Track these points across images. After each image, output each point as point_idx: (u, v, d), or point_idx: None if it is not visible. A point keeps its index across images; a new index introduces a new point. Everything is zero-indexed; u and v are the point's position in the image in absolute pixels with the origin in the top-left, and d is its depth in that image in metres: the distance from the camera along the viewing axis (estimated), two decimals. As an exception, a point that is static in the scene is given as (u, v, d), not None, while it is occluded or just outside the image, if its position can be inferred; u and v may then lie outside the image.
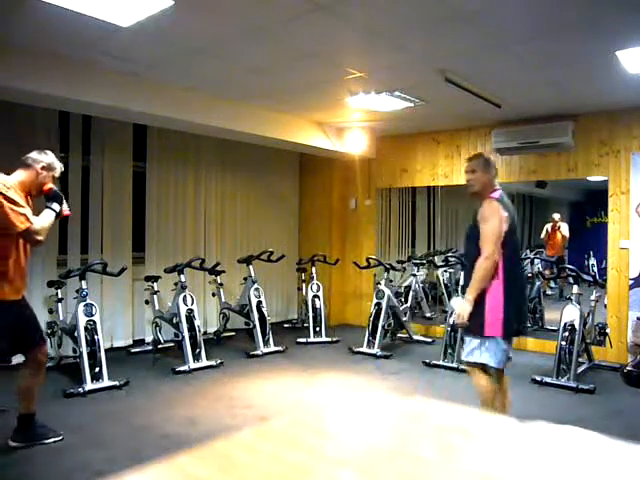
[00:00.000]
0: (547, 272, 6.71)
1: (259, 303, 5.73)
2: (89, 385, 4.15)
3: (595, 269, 6.38)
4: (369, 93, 4.68)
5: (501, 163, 6.05)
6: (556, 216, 7.18)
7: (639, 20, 3.10)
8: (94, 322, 4.33)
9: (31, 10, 3.01)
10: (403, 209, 7.50)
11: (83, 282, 4.47)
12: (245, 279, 5.95)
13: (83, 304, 4.34)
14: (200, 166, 6.49)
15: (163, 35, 3.45)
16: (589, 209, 6.60)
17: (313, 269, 6.49)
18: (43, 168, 3.10)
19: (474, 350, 2.94)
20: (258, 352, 5.50)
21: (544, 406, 4.01)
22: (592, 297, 5.09)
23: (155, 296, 5.63)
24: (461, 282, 5.36)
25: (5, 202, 2.75)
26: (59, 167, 3.21)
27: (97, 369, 4.23)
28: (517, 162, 5.93)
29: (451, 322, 5.07)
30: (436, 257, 7.07)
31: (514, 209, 3.09)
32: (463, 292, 5.11)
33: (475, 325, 2.88)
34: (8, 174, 2.98)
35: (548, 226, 7.33)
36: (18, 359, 3.49)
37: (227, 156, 6.71)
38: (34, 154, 3.13)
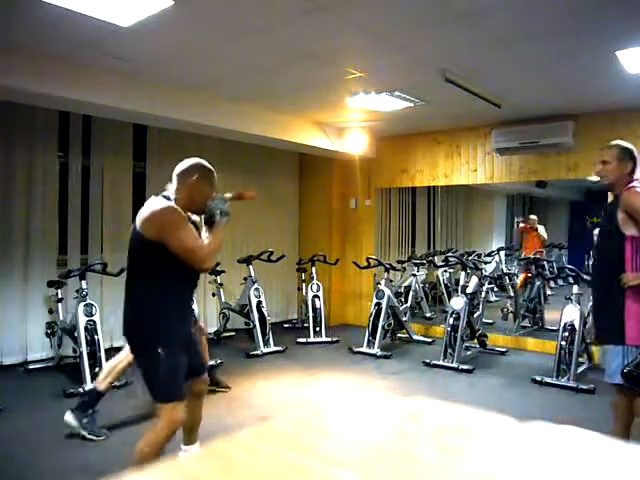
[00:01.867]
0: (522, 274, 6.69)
1: (259, 303, 5.73)
2: (89, 385, 4.14)
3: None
4: (369, 93, 4.68)
5: (501, 163, 6.06)
6: (533, 217, 7.11)
7: (639, 20, 3.10)
8: (94, 322, 4.33)
9: (31, 10, 3.01)
10: (403, 209, 7.50)
11: (83, 282, 4.47)
12: (245, 279, 5.95)
13: (83, 304, 4.34)
14: (200, 166, 6.47)
15: (163, 35, 3.45)
16: (589, 209, 6.60)
17: (313, 269, 6.49)
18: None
19: (618, 367, 2.60)
20: (258, 352, 5.50)
21: (544, 406, 4.01)
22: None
23: (155, 296, 5.62)
24: (461, 282, 5.37)
25: None
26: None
27: (97, 369, 4.22)
28: (517, 162, 5.93)
29: (451, 322, 5.08)
30: (436, 257, 7.07)
31: None
32: (463, 292, 5.18)
33: (614, 333, 2.60)
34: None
35: (521, 226, 7.27)
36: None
37: (227, 156, 6.70)
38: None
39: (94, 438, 3.27)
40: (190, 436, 2.72)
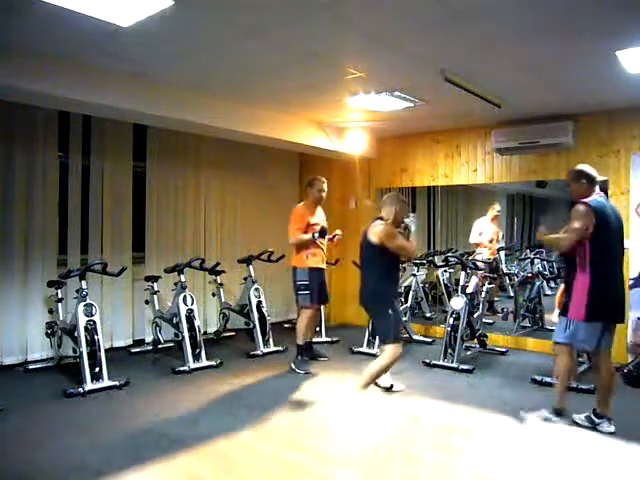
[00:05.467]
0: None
1: (259, 303, 5.73)
2: (89, 385, 4.15)
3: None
4: (369, 93, 4.68)
5: (501, 163, 6.06)
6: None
7: (639, 20, 3.10)
8: (94, 322, 4.33)
9: (31, 10, 3.01)
10: (403, 209, 7.48)
11: (83, 282, 4.48)
12: (245, 279, 5.95)
13: (83, 304, 4.34)
14: (200, 166, 6.49)
15: (163, 35, 3.45)
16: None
17: (313, 269, 6.48)
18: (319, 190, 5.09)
19: (561, 331, 3.54)
20: (258, 352, 5.50)
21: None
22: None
23: (155, 296, 5.63)
24: (461, 282, 5.37)
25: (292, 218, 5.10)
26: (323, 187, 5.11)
27: (97, 369, 4.23)
28: (517, 162, 5.92)
29: (451, 322, 5.07)
30: (436, 257, 7.07)
31: (613, 211, 3.52)
32: (463, 292, 5.18)
33: (565, 308, 3.53)
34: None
35: (487, 225, 6.97)
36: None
37: (227, 156, 6.71)
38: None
39: (300, 372, 4.85)
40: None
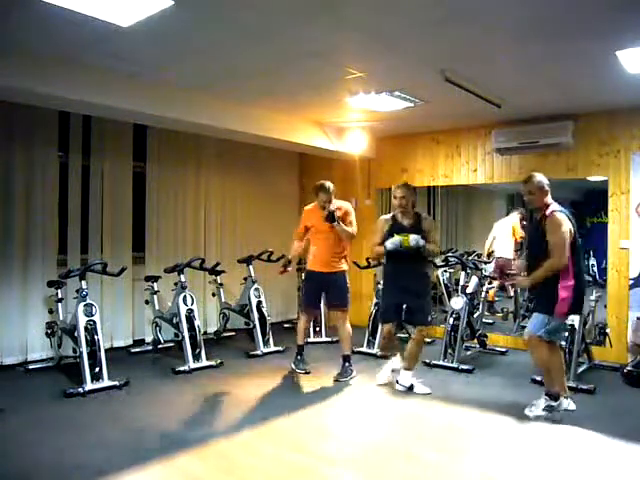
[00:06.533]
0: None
1: (259, 303, 5.73)
2: (89, 385, 4.15)
3: (595, 269, 6.38)
4: (369, 93, 4.68)
5: (501, 163, 6.06)
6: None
7: (639, 20, 3.10)
8: (94, 322, 4.33)
9: (31, 10, 3.01)
10: (403, 209, 7.48)
11: (83, 282, 4.48)
12: (245, 279, 5.95)
13: (83, 304, 4.34)
14: (200, 166, 6.49)
15: (163, 35, 3.45)
16: (589, 209, 6.59)
17: (313, 269, 6.48)
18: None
19: (540, 326, 3.62)
20: (258, 352, 5.50)
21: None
22: (592, 297, 5.09)
23: (155, 296, 5.63)
24: (462, 282, 5.38)
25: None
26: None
27: (97, 369, 4.23)
28: (517, 162, 5.93)
29: (451, 322, 5.08)
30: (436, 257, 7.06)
31: (569, 215, 3.72)
32: (463, 292, 5.18)
33: (547, 306, 3.61)
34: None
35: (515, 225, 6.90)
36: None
37: (227, 156, 6.71)
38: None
39: (299, 371, 4.79)
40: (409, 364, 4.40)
